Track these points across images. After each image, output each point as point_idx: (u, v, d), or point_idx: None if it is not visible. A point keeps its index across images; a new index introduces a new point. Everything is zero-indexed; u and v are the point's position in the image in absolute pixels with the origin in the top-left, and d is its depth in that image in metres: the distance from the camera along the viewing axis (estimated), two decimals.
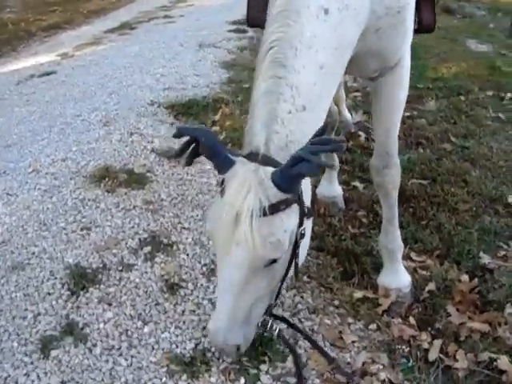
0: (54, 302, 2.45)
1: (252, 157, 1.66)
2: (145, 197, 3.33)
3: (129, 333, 2.30)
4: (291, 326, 2.24)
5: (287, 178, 1.58)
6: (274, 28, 1.68)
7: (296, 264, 1.78)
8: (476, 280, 2.57)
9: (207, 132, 1.77)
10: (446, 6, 8.75)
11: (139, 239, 2.92)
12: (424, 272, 2.70)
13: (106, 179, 3.48)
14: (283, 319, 2.21)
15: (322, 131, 1.61)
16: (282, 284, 1.84)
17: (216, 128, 4.39)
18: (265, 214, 1.58)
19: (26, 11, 9.17)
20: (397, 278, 2.55)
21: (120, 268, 2.69)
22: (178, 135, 1.74)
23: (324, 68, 1.71)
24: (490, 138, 4.15)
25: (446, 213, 3.17)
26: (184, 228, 3.05)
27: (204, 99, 4.96)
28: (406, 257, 2.79)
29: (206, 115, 4.64)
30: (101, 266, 2.69)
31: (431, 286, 2.57)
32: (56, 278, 2.59)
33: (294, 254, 1.74)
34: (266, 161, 1.64)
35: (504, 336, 2.27)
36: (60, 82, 5.56)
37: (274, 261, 1.68)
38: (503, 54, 6.41)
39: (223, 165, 1.69)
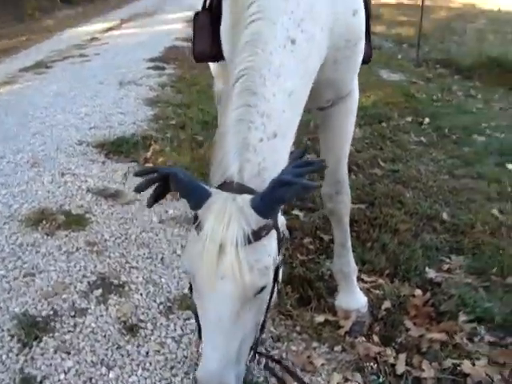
0: (4, 357, 2.26)
1: (226, 186, 1.62)
2: (87, 238, 3.21)
3: (93, 381, 2.17)
4: (272, 359, 2.17)
5: (268, 203, 1.54)
6: (243, 57, 1.69)
7: (278, 290, 1.76)
8: (428, 293, 2.69)
9: (180, 169, 1.65)
10: None
11: (88, 282, 2.79)
12: (377, 291, 2.78)
13: (44, 222, 3.32)
14: (262, 354, 2.12)
15: (302, 154, 1.63)
16: (266, 314, 1.77)
17: (149, 165, 4.33)
18: (249, 242, 1.53)
19: None
20: (354, 299, 2.61)
21: (72, 313, 2.55)
22: (144, 174, 1.62)
23: (292, 95, 1.74)
24: (417, 161, 4.41)
25: (388, 234, 3.29)
26: (132, 267, 2.96)
27: (133, 137, 4.91)
28: (358, 278, 2.86)
29: (136, 152, 4.58)
30: (51, 313, 2.54)
31: (387, 304, 2.65)
32: (3, 330, 2.40)
33: (276, 279, 1.70)
34: (241, 189, 1.60)
35: (462, 342, 2.39)
36: None
37: (262, 289, 1.61)
38: (414, 82, 6.89)
39: (200, 199, 1.60)
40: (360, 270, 2.96)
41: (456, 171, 4.20)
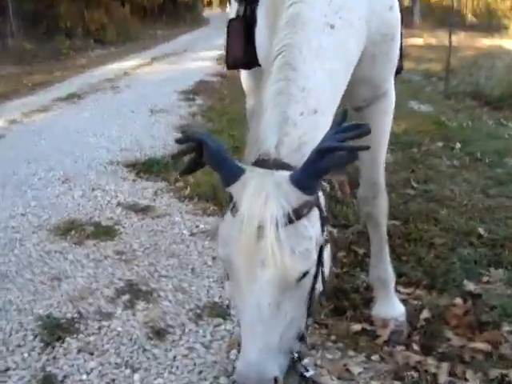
0: (25, 355, 2.20)
1: (262, 162, 1.53)
2: (116, 248, 3.17)
3: (116, 382, 2.09)
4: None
5: (311, 175, 1.43)
6: (283, 35, 1.67)
7: (323, 276, 1.60)
8: (470, 302, 2.55)
9: (212, 138, 1.58)
10: None
11: (115, 288, 2.73)
12: (415, 302, 2.66)
13: (72, 232, 3.30)
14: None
15: (342, 119, 1.55)
16: (311, 303, 1.62)
17: (180, 184, 4.32)
18: (290, 222, 1.42)
19: None
20: (392, 307, 2.48)
21: (98, 317, 2.48)
22: (182, 140, 1.56)
23: (332, 76, 1.71)
24: (450, 182, 4.30)
25: (423, 248, 3.17)
26: (162, 276, 2.89)
27: (163, 158, 4.92)
28: (394, 289, 2.75)
29: (167, 172, 4.57)
30: (76, 315, 2.48)
31: (426, 314, 2.52)
32: (26, 330, 2.35)
33: (320, 264, 1.56)
34: (279, 164, 1.51)
35: (507, 353, 2.23)
36: (10, 145, 5.37)
37: (305, 275, 1.49)
38: (444, 112, 6.82)
39: (231, 175, 1.51)
40: (396, 282, 2.84)
41: (490, 191, 4.07)
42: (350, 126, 1.46)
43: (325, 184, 4.41)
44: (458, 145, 5.27)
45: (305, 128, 1.58)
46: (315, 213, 1.53)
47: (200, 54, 14.24)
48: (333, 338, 2.43)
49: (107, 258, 3.03)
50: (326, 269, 1.64)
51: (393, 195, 4.07)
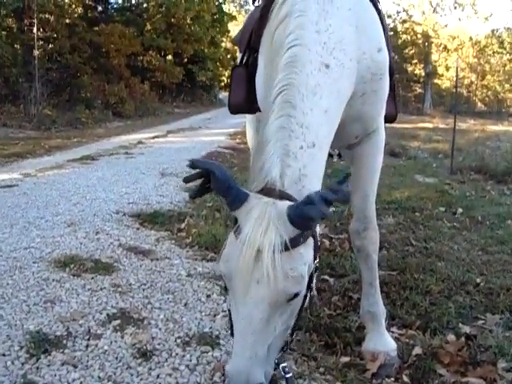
0: (8, 363, 2.20)
1: (267, 191, 1.66)
2: (112, 281, 3.20)
3: None
4: None
5: (299, 216, 1.57)
6: (283, 76, 1.82)
7: (311, 296, 1.75)
8: (463, 340, 2.51)
9: (220, 167, 1.73)
10: (392, 149, 9.56)
11: (107, 314, 2.74)
12: (407, 340, 2.62)
13: (72, 265, 3.34)
14: None
15: (344, 179, 1.67)
16: (298, 318, 1.74)
17: (182, 234, 4.38)
18: (286, 249, 1.55)
19: None
20: (382, 341, 2.46)
21: (87, 337, 2.48)
22: (191, 166, 1.72)
23: (327, 112, 1.86)
24: (449, 241, 4.32)
25: (419, 295, 3.16)
26: (155, 308, 2.90)
27: (168, 212, 5.03)
28: (387, 330, 2.71)
29: (171, 224, 4.65)
30: (65, 333, 2.48)
31: (417, 351, 2.48)
32: (13, 341, 2.36)
33: (309, 286, 1.70)
34: (282, 195, 1.64)
35: None
36: (22, 193, 5.53)
37: (295, 295, 1.62)
38: (448, 184, 6.93)
39: (236, 200, 1.65)
40: (390, 324, 2.82)
41: (490, 248, 4.07)
42: (336, 189, 1.60)
43: (325, 241, 4.47)
44: (460, 210, 5.33)
45: (304, 161, 1.72)
46: (311, 241, 1.67)
47: (214, 131, 14.75)
48: (321, 370, 2.40)
49: (103, 289, 3.06)
50: (314, 287, 1.77)
51: (391, 251, 4.10)
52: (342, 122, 2.05)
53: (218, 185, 1.67)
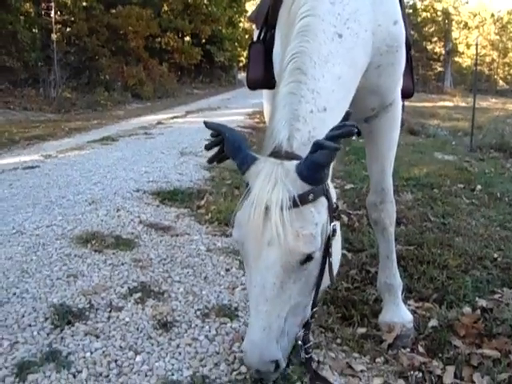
0: (34, 333, 2.28)
1: (275, 154, 1.67)
2: (133, 256, 3.26)
3: (118, 362, 2.13)
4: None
5: (309, 166, 1.57)
6: (295, 44, 1.83)
7: (330, 265, 1.69)
8: (479, 312, 2.52)
9: (232, 130, 1.78)
10: (411, 128, 9.48)
11: (128, 287, 2.80)
12: (424, 312, 2.64)
13: (93, 241, 3.41)
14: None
15: (345, 118, 1.67)
16: (317, 292, 1.72)
17: (201, 211, 4.43)
18: (294, 205, 1.55)
19: (9, 125, 9.48)
20: (399, 313, 2.49)
21: (108, 309, 2.55)
22: (206, 127, 1.78)
23: (341, 79, 1.85)
24: (467, 217, 4.31)
25: (436, 269, 3.17)
26: (175, 281, 2.95)
27: (188, 190, 5.07)
28: (403, 303, 2.74)
29: (191, 201, 4.70)
30: (87, 306, 2.55)
31: (433, 323, 2.51)
32: (38, 313, 2.44)
33: (327, 253, 1.66)
34: (290, 156, 1.65)
35: None
36: (44, 173, 5.62)
37: (308, 258, 1.59)
38: (467, 161, 6.87)
39: (245, 162, 1.68)
40: (407, 297, 2.85)
41: (508, 224, 4.06)
42: (339, 125, 1.59)
43: (343, 216, 4.49)
44: (479, 187, 5.29)
45: (314, 124, 1.72)
46: (322, 201, 1.66)
47: (233, 111, 14.72)
48: (338, 341, 2.44)
49: (124, 264, 3.12)
50: (335, 260, 1.74)
51: (409, 226, 4.10)
52: (358, 93, 2.05)
53: (228, 146, 1.70)
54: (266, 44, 2.57)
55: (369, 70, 2.10)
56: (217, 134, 1.78)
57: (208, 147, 1.81)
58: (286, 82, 1.78)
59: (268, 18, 2.51)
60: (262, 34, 2.64)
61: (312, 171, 1.58)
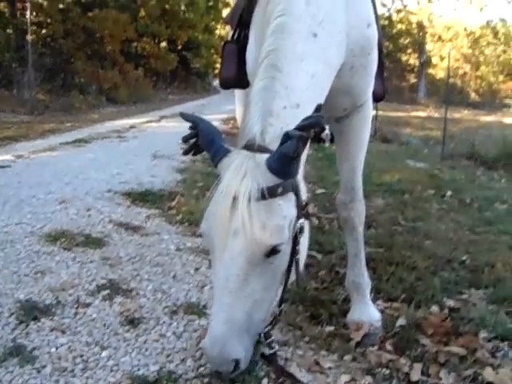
0: None
1: (248, 147, 1.68)
2: (102, 254, 3.22)
3: (84, 357, 2.10)
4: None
5: (278, 159, 1.57)
6: (270, 41, 1.84)
7: (297, 262, 1.68)
8: (447, 311, 2.56)
9: (207, 122, 1.78)
10: (384, 136, 9.61)
11: (96, 285, 2.77)
12: (392, 312, 2.66)
13: (63, 239, 3.36)
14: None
15: (316, 110, 1.67)
16: (284, 290, 1.72)
17: (172, 212, 4.40)
18: (263, 197, 1.55)
19: None
20: (367, 311, 2.50)
21: (76, 306, 2.51)
22: (181, 117, 1.79)
23: (315, 77, 1.86)
24: (437, 221, 4.37)
25: (405, 270, 3.20)
26: (144, 279, 2.93)
27: (160, 191, 5.05)
28: (372, 303, 2.76)
29: (162, 202, 4.67)
30: (54, 302, 2.51)
31: (401, 322, 2.52)
32: (3, 308, 2.39)
33: (294, 249, 1.66)
34: (262, 149, 1.65)
35: (483, 357, 2.23)
36: (15, 173, 5.53)
37: (274, 251, 1.58)
38: (439, 169, 6.99)
39: (218, 154, 1.68)
40: (375, 298, 2.86)
41: (477, 229, 4.12)
42: (306, 117, 1.60)
43: (313, 219, 4.51)
44: (449, 193, 5.38)
45: (287, 120, 1.72)
46: (291, 197, 1.66)
47: (208, 117, 14.40)
48: (306, 339, 2.43)
49: (93, 261, 3.08)
50: (301, 258, 1.73)
51: (379, 230, 4.14)
52: (331, 93, 2.07)
53: (202, 138, 1.71)
54: (240, 44, 2.59)
55: (342, 70, 2.13)
56: (194, 127, 1.78)
57: (185, 139, 1.80)
58: (261, 78, 1.79)
59: (242, 18, 2.53)
60: (236, 34, 2.66)
61: (280, 163, 1.59)
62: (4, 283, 2.65)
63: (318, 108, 1.71)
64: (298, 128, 1.59)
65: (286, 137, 1.57)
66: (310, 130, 1.60)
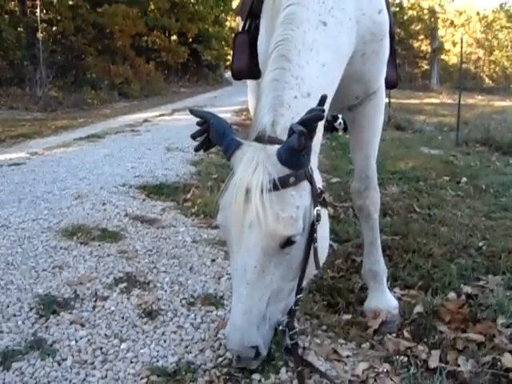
0: (19, 323, 2.28)
1: (259, 139, 1.69)
2: (119, 248, 3.25)
3: (103, 350, 2.13)
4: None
5: (286, 151, 1.59)
6: (280, 31, 1.84)
7: (316, 251, 1.69)
8: (464, 298, 2.54)
9: (217, 116, 1.79)
10: (398, 123, 9.52)
11: (114, 278, 2.80)
12: (409, 299, 2.66)
13: (79, 234, 3.40)
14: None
15: (320, 103, 1.68)
16: (301, 279, 1.72)
17: (188, 204, 4.42)
18: (275, 188, 1.56)
19: None
20: (384, 299, 2.49)
21: (94, 299, 2.54)
22: (191, 113, 1.80)
23: (325, 66, 1.85)
24: (453, 208, 4.33)
25: (421, 258, 3.19)
26: (160, 271, 2.95)
27: (174, 184, 5.07)
28: (389, 290, 2.75)
29: (177, 195, 4.69)
30: (73, 296, 2.54)
31: (419, 309, 2.52)
32: (23, 303, 2.43)
33: (311, 238, 1.67)
34: (273, 141, 1.67)
35: (501, 343, 2.21)
36: (30, 170, 5.58)
37: (289, 242, 1.60)
38: (453, 155, 6.92)
39: (230, 147, 1.70)
40: (392, 285, 2.86)
41: (493, 214, 4.09)
42: (308, 111, 1.59)
43: (329, 208, 4.50)
44: (464, 179, 5.33)
45: (298, 109, 1.72)
46: (305, 185, 1.67)
47: (220, 108, 14.64)
48: (323, 327, 2.44)
49: (110, 255, 3.11)
50: (320, 247, 1.73)
51: (395, 218, 4.13)
52: (343, 82, 2.06)
53: (213, 133, 1.72)
54: (251, 34, 2.58)
55: (353, 58, 2.11)
56: (203, 123, 1.79)
57: (194, 136, 1.82)
58: (271, 69, 1.79)
59: (253, 9, 2.52)
60: (247, 25, 2.65)
61: (289, 155, 1.60)
62: (23, 278, 2.69)
63: (322, 100, 1.70)
64: (300, 122, 1.59)
65: (290, 130, 1.58)
66: (312, 123, 1.60)
